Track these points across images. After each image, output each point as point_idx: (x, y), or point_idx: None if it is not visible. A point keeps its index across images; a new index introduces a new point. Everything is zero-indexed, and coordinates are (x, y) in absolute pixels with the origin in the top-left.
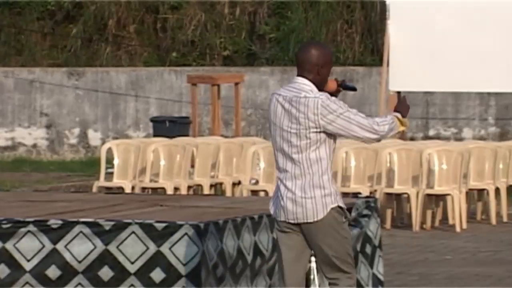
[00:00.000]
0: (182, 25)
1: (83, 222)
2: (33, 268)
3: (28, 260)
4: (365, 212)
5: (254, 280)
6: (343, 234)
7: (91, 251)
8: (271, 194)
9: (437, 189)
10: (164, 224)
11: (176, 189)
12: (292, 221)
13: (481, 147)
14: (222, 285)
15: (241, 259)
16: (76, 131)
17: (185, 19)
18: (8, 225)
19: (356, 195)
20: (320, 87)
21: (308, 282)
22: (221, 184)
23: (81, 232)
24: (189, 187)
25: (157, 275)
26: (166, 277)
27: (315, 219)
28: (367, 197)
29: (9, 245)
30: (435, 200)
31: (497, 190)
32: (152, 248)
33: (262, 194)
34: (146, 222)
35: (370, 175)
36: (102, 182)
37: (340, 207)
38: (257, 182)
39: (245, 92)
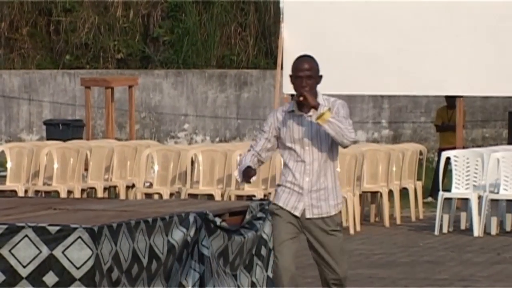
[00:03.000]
0: (75, 27)
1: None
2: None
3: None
4: (260, 214)
5: (151, 283)
6: None
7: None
8: (165, 197)
9: None
10: (57, 228)
11: (69, 192)
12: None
13: (374, 150)
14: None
15: (136, 262)
16: None
17: (78, 21)
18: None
19: (250, 198)
20: None
21: None
22: (115, 187)
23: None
24: (82, 190)
25: (50, 278)
26: (59, 280)
27: None
28: (261, 199)
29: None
30: None
31: (391, 193)
32: (45, 251)
33: (156, 197)
34: (39, 225)
35: (264, 178)
36: None
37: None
38: (151, 185)
39: (139, 95)
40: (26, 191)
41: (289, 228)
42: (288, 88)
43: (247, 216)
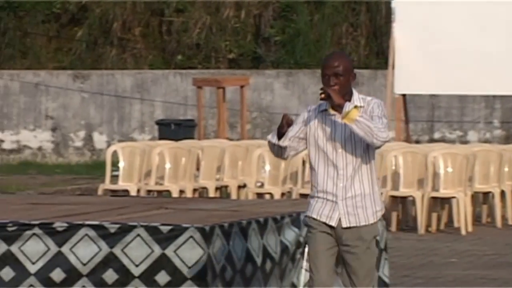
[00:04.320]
0: (187, 28)
1: (89, 225)
2: (38, 271)
3: (33, 263)
4: None
5: (267, 283)
6: None
7: (96, 254)
8: (276, 196)
9: (443, 192)
10: (169, 227)
11: (181, 192)
12: None
13: (486, 150)
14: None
15: (250, 262)
16: (82, 134)
17: (190, 22)
18: (14, 228)
19: None
20: None
21: None
22: (226, 187)
23: (86, 235)
24: (194, 190)
25: (162, 278)
26: (171, 280)
27: None
28: None
29: (14, 248)
30: (441, 203)
31: (502, 193)
32: (157, 251)
33: (267, 197)
34: (151, 225)
35: None
36: (107, 185)
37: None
38: (262, 185)
39: (251, 95)
40: (138, 191)
41: (325, 239)
42: (400, 88)
43: None
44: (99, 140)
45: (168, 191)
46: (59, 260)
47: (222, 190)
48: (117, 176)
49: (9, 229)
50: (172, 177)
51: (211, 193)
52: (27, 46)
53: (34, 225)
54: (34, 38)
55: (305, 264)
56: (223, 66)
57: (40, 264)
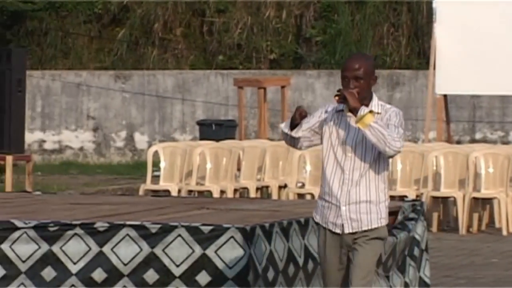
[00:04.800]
0: (228, 28)
1: (130, 225)
2: (79, 271)
3: (75, 263)
4: (412, 215)
5: (309, 283)
6: None
7: (137, 254)
8: (317, 197)
9: (484, 193)
10: (210, 227)
11: (222, 192)
12: None
13: None
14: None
15: (292, 262)
16: (123, 134)
17: (231, 22)
18: (55, 228)
19: (402, 198)
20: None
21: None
22: (267, 187)
23: (127, 235)
24: (235, 190)
25: (203, 278)
26: (212, 280)
27: None
28: (413, 200)
29: (55, 248)
30: (482, 204)
31: None
32: (198, 251)
33: (308, 197)
34: (192, 225)
35: (416, 179)
36: (148, 185)
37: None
38: (303, 185)
39: (292, 95)
40: (179, 191)
41: (333, 251)
42: (441, 88)
43: (399, 217)
44: (140, 140)
45: (209, 191)
46: (100, 260)
47: (263, 190)
48: (158, 176)
49: (51, 229)
50: (213, 177)
51: (252, 193)
52: (69, 47)
53: (75, 225)
54: (75, 39)
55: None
56: (264, 66)
57: (81, 264)
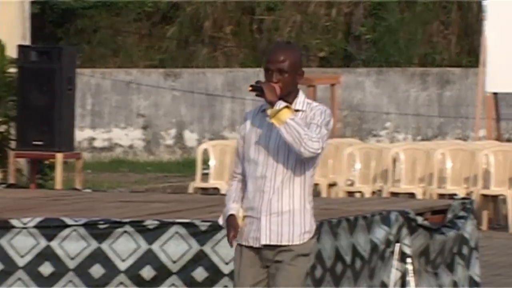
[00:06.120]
0: (278, 26)
1: (179, 223)
2: (128, 268)
3: (123, 260)
4: (462, 213)
5: (356, 282)
6: None
7: (186, 251)
8: (367, 195)
9: None
10: None
11: None
12: None
13: None
14: (322, 287)
15: (340, 260)
16: (173, 132)
17: (281, 20)
18: (105, 226)
19: (452, 196)
20: None
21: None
22: (316, 185)
23: (176, 232)
24: None
25: None
26: None
27: None
28: (463, 198)
29: (104, 246)
30: None
31: None
32: None
33: (357, 195)
34: None
35: (466, 177)
36: (198, 183)
37: None
38: (352, 184)
39: (341, 93)
40: None
41: (248, 270)
42: (491, 86)
43: (449, 215)
44: (190, 138)
45: None
46: (149, 257)
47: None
48: (207, 174)
49: (100, 226)
50: None
51: None
52: (119, 45)
53: (125, 223)
54: (126, 37)
55: (395, 263)
56: (314, 65)
57: (130, 261)
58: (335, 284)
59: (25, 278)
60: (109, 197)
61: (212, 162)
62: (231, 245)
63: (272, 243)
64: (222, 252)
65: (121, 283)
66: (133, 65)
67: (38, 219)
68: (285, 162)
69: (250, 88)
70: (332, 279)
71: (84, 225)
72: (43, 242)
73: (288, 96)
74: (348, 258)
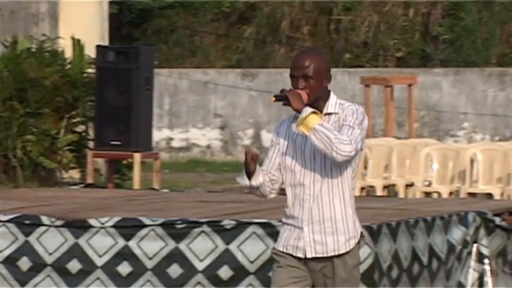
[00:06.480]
0: (355, 26)
1: (256, 223)
2: (205, 268)
3: (201, 260)
4: None
5: (433, 283)
6: None
7: (263, 251)
8: (444, 195)
9: None
10: None
11: None
12: None
13: None
14: (398, 287)
15: (417, 261)
16: (250, 132)
17: (358, 20)
18: (182, 226)
19: None
20: None
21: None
22: (394, 185)
23: (254, 232)
24: (362, 188)
25: None
26: None
27: None
28: None
29: (182, 245)
30: None
31: None
32: None
33: (435, 195)
34: None
35: None
36: None
37: None
38: (430, 184)
39: (419, 94)
40: None
41: (290, 272)
42: None
43: None
44: (267, 138)
45: None
46: (226, 257)
47: (390, 188)
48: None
49: (178, 226)
50: None
51: (379, 192)
52: (196, 45)
53: (202, 223)
54: (203, 37)
55: (473, 263)
56: (391, 65)
57: (207, 261)
58: (412, 285)
59: (103, 278)
60: (186, 197)
61: None
62: (253, 161)
63: (318, 255)
64: None
65: (199, 283)
66: (210, 65)
67: (116, 219)
68: (322, 169)
69: (274, 99)
70: (409, 280)
71: (162, 225)
72: (121, 242)
73: (318, 101)
74: (424, 259)
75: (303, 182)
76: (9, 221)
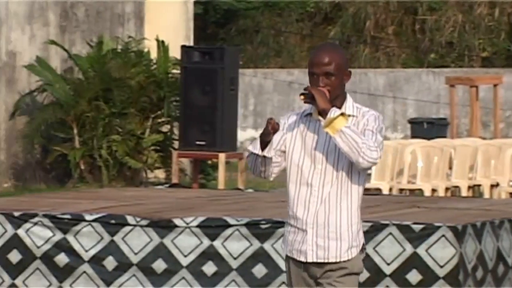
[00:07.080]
0: (440, 26)
1: None
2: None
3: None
4: None
5: None
6: None
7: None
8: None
9: None
10: (421, 226)
11: (433, 190)
12: None
13: None
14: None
15: (502, 262)
16: None
17: (443, 20)
18: (267, 226)
19: None
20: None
21: None
22: (479, 186)
23: None
24: (446, 189)
25: (413, 276)
26: (423, 279)
27: None
28: None
29: (267, 246)
30: None
31: None
32: (409, 249)
33: None
34: (403, 223)
35: None
36: None
37: None
38: None
39: (504, 94)
40: (390, 189)
41: (300, 284)
42: None
43: None
44: None
45: (420, 189)
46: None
47: (475, 189)
48: (369, 174)
49: (263, 226)
50: (424, 176)
51: (464, 192)
52: (281, 45)
53: (284, 222)
54: (287, 37)
55: None
56: (476, 65)
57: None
58: (497, 285)
59: (189, 277)
60: (271, 197)
61: None
62: (274, 132)
63: (319, 260)
64: (383, 252)
65: (283, 283)
66: (295, 65)
67: (200, 219)
68: (334, 171)
69: (302, 97)
70: (494, 280)
71: (246, 225)
72: (206, 242)
73: (336, 100)
74: (510, 260)
75: (311, 183)
76: (94, 220)
